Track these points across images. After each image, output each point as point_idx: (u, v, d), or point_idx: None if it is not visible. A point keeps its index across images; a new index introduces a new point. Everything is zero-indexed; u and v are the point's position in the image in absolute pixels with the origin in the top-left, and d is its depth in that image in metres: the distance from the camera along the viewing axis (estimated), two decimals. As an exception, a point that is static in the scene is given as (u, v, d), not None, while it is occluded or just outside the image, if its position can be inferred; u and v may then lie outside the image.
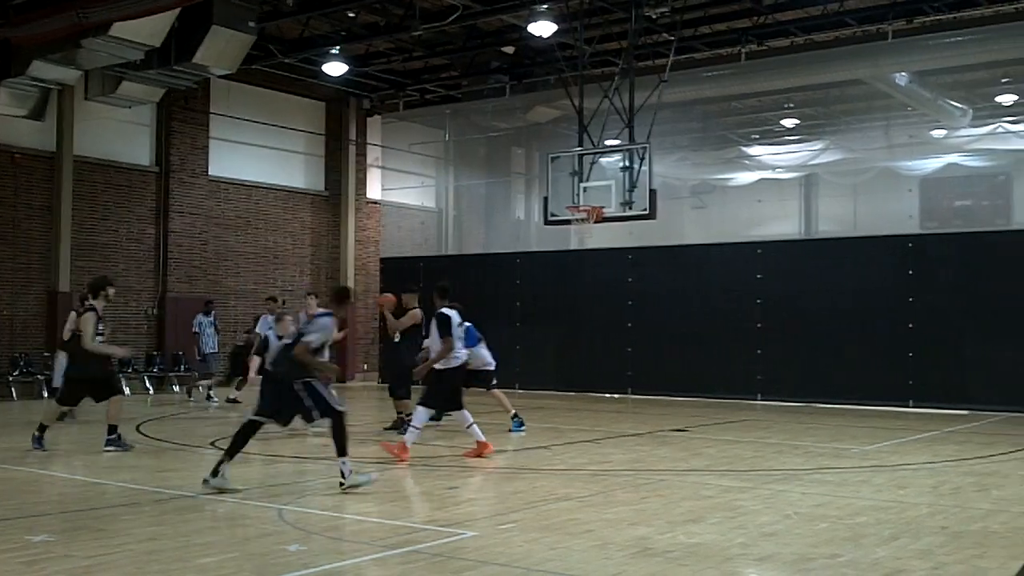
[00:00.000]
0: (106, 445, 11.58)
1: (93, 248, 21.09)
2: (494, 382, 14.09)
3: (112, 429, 11.65)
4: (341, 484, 8.74)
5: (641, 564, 6.26)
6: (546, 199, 18.58)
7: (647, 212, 17.13)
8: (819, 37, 20.45)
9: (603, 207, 17.23)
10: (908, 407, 17.88)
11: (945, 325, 18.01)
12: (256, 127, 23.67)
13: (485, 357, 13.95)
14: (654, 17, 18.88)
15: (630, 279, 21.32)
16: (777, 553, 6.62)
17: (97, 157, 21.20)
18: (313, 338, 8.87)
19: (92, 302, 11.83)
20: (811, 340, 19.20)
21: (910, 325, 18.20)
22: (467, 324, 12.51)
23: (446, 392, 11.35)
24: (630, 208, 17.26)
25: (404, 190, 27.00)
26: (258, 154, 24.01)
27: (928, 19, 18.82)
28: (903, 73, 21.26)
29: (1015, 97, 23.54)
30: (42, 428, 11.68)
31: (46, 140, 20.39)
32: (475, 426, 11.39)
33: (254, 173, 24.05)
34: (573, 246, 22.63)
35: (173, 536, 7.11)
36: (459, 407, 11.52)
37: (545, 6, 18.43)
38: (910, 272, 18.39)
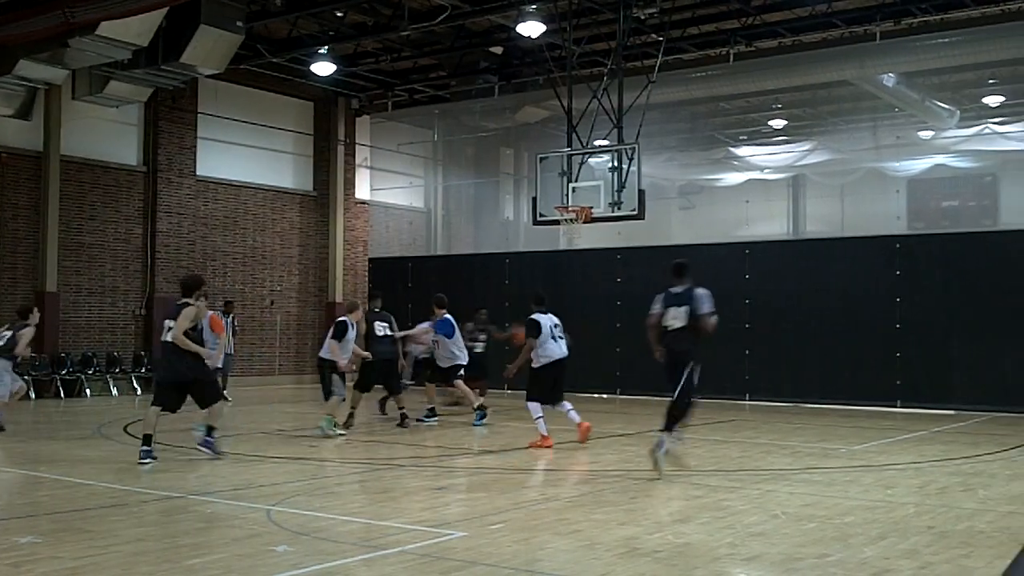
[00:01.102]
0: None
1: (80, 248, 21.02)
2: (460, 374, 15.29)
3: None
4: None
5: (629, 564, 6.27)
6: (535, 199, 18.58)
7: (636, 212, 17.14)
8: (807, 38, 20.50)
9: (591, 207, 17.24)
10: (896, 407, 17.94)
11: (932, 325, 18.08)
12: (244, 127, 23.62)
13: (451, 351, 15.16)
14: (643, 18, 18.90)
15: (618, 279, 21.34)
16: (765, 553, 6.63)
17: (84, 157, 21.12)
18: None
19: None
20: (799, 340, 19.26)
21: (897, 325, 18.27)
22: (447, 316, 15.08)
23: (546, 385, 12.50)
24: (618, 208, 17.27)
25: (393, 190, 26.99)
26: (246, 154, 23.96)
27: (915, 20, 18.88)
28: (891, 74, 21.35)
29: (1002, 98, 23.68)
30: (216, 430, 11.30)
31: (33, 140, 20.31)
32: (542, 420, 12.30)
33: (242, 173, 24.00)
34: (562, 246, 22.65)
35: (161, 537, 7.09)
36: (557, 400, 12.61)
37: (533, 6, 18.45)
38: (898, 272, 18.46)
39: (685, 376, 10.01)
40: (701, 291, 10.13)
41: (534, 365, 12.51)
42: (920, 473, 10.48)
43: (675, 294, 10.28)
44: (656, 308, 10.36)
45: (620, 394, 20.88)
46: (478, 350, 16.96)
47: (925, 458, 11.59)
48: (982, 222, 23.09)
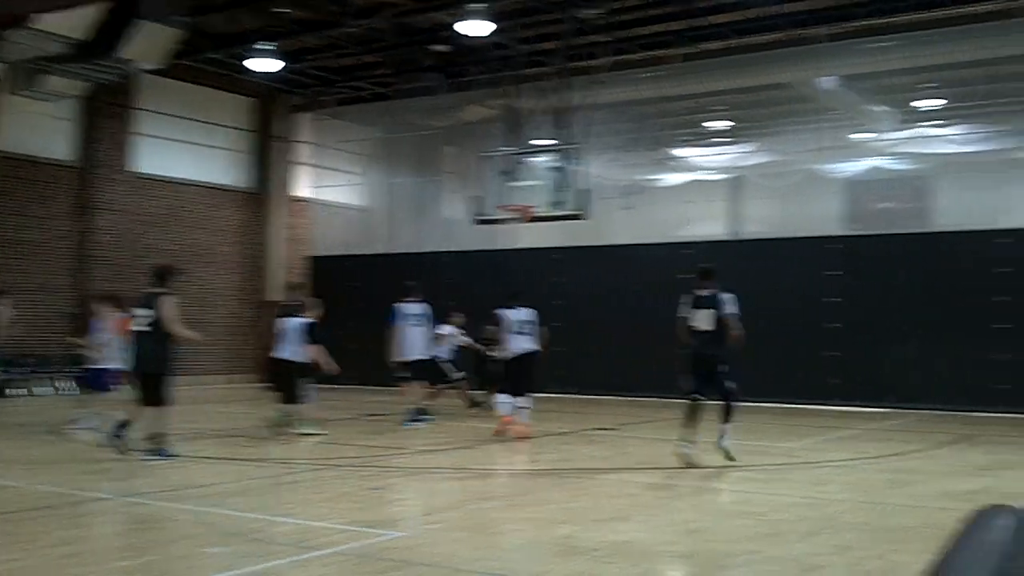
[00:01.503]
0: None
1: (9, 246, 20.55)
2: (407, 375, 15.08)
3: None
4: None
5: (567, 562, 6.27)
6: (478, 198, 18.56)
7: (579, 212, 17.18)
8: (753, 40, 20.69)
9: (534, 207, 17.26)
10: (832, 405, 18.18)
11: (868, 325, 18.35)
12: (183, 123, 23.28)
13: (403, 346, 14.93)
14: (589, 18, 18.94)
15: (560, 278, 21.39)
16: (700, 550, 6.68)
17: (17, 152, 20.66)
18: None
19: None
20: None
21: (835, 325, 18.52)
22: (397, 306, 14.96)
23: (514, 376, 13.25)
24: (561, 208, 17.31)
25: (334, 188, 26.78)
26: (185, 150, 23.61)
27: (857, 24, 19.16)
28: (831, 77, 21.64)
29: (939, 102, 24.08)
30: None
31: (-37, 135, 19.86)
32: (507, 406, 13.03)
33: (180, 170, 23.65)
34: (504, 245, 22.63)
35: (91, 539, 6.97)
36: (522, 392, 13.27)
37: (479, 5, 18.39)
38: (835, 273, 18.71)
39: (723, 376, 10.44)
40: (727, 295, 10.57)
41: (504, 358, 13.25)
42: (853, 470, 10.63)
43: (702, 297, 10.64)
44: (684, 311, 10.68)
45: (560, 393, 20.91)
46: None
47: (859, 455, 11.76)
48: (917, 224, 23.46)
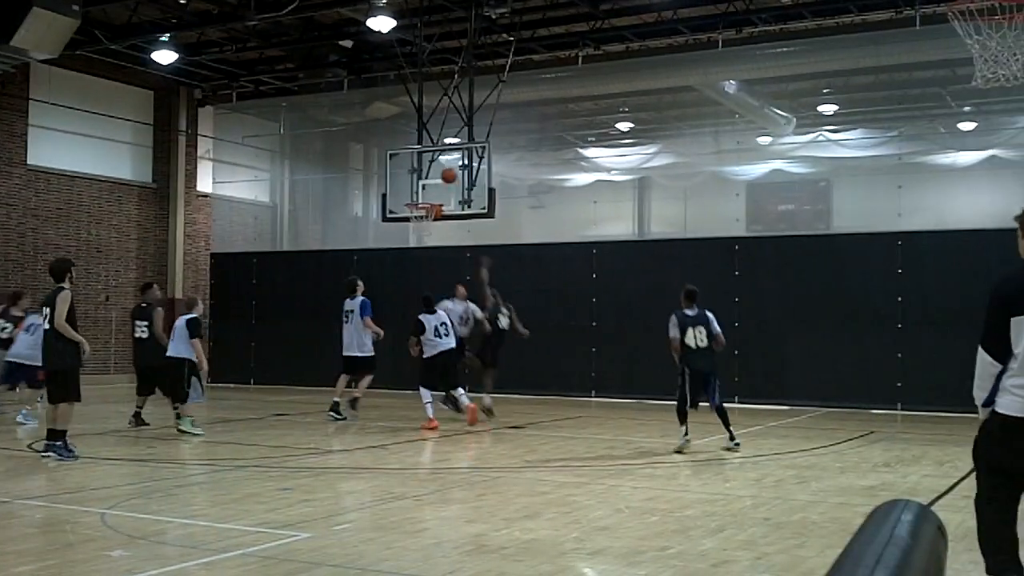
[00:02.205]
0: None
1: (-102, 239, 19.77)
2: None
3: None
4: None
5: (476, 561, 6.27)
6: (384, 196, 18.44)
7: (486, 211, 17.21)
8: (654, 43, 20.97)
9: (442, 205, 17.23)
10: (733, 403, 18.49)
11: (769, 324, 18.75)
12: (80, 115, 22.61)
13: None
14: (493, 17, 18.96)
15: (468, 277, 21.36)
16: (609, 547, 6.73)
17: (-97, 142, 19.88)
18: None
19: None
20: (644, 338, 19.62)
21: (735, 324, 18.85)
22: (362, 299, 15.59)
23: (436, 372, 14.64)
24: (469, 207, 17.31)
25: (237, 183, 26.31)
26: (81, 143, 22.93)
27: (756, 30, 19.54)
28: (732, 81, 22.06)
29: (836, 107, 24.74)
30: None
31: None
32: (430, 406, 14.10)
33: (77, 163, 22.96)
34: (412, 244, 22.54)
35: (-16, 544, 6.72)
36: (450, 386, 14.93)
37: (384, 1, 18.28)
38: (736, 273, 19.06)
39: (717, 387, 12.00)
40: (710, 313, 12.03)
41: (424, 356, 14.44)
42: (757, 467, 10.85)
43: (691, 316, 11.94)
44: (674, 331, 11.85)
45: (469, 392, 20.87)
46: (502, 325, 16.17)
47: (761, 452, 12.00)
48: (816, 225, 24.05)
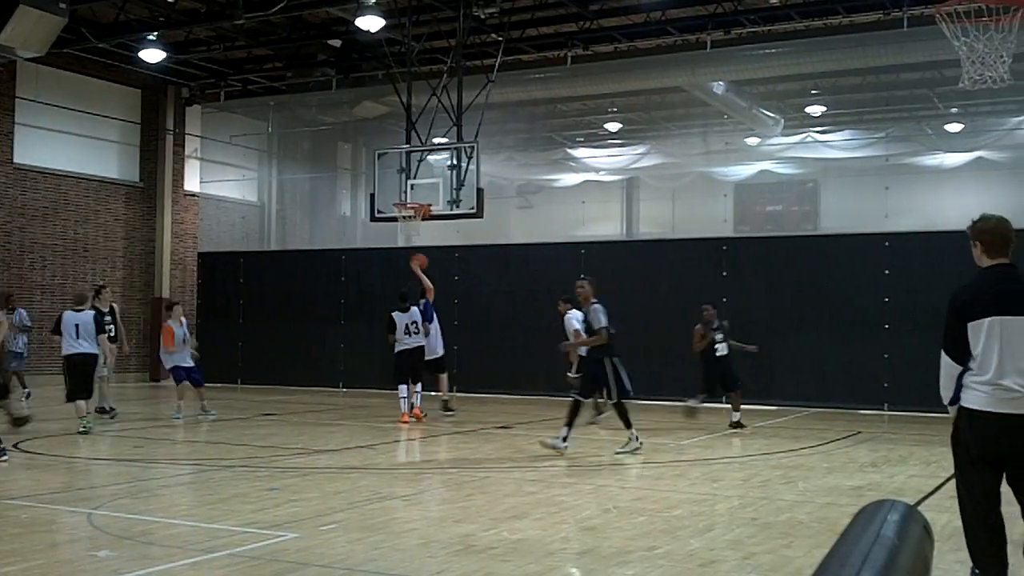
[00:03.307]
0: None
1: None
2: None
3: None
4: None
5: (464, 561, 6.26)
6: (372, 196, 18.42)
7: (474, 211, 17.21)
8: (642, 44, 21.00)
9: (430, 205, 17.21)
10: (722, 403, 18.53)
11: (756, 324, 18.73)
12: (67, 113, 22.51)
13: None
14: (482, 17, 18.96)
15: (456, 277, 21.36)
16: (597, 547, 6.74)
17: None
18: None
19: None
20: (631, 338, 19.59)
21: (724, 324, 18.88)
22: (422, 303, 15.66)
23: (405, 367, 15.12)
24: (457, 206, 17.31)
25: (224, 183, 26.26)
26: (68, 142, 22.83)
27: (745, 31, 19.58)
28: (720, 82, 22.09)
29: (823, 108, 24.82)
30: None
31: None
32: (404, 400, 14.84)
33: (64, 162, 22.85)
34: (400, 243, 22.50)
35: (-31, 545, 6.68)
36: (414, 380, 15.24)
37: (373, 0, 18.26)
38: (724, 273, 19.08)
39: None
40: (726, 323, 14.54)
41: (395, 351, 15.09)
42: (744, 467, 10.87)
43: (717, 327, 14.80)
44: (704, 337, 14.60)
45: (457, 391, 20.88)
46: None
47: (749, 452, 12.02)
48: (804, 226, 24.15)
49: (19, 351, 17.79)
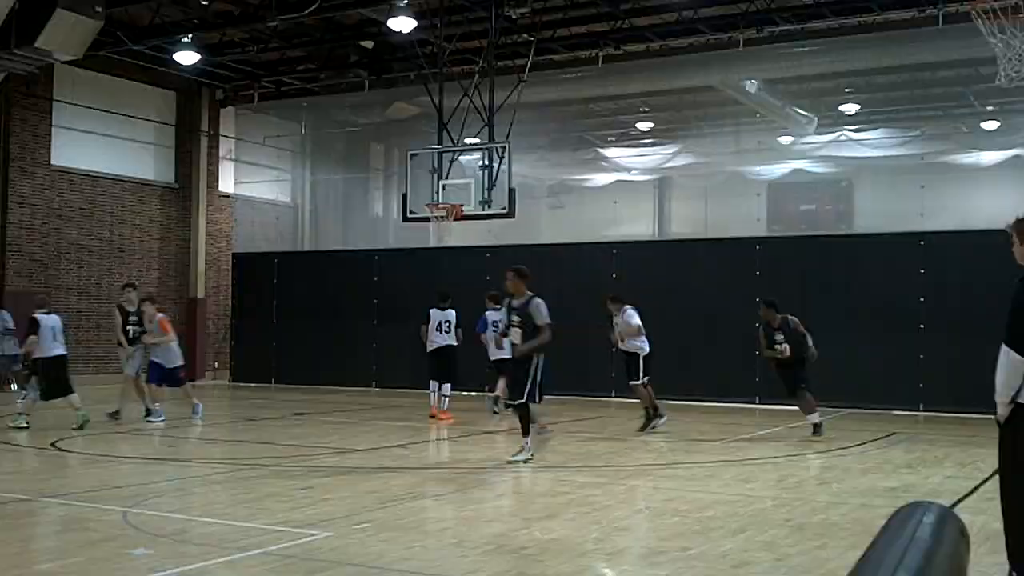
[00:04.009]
0: None
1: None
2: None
3: None
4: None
5: (496, 561, 6.27)
6: (405, 196, 18.47)
7: (506, 211, 17.21)
8: (674, 43, 20.91)
9: (462, 205, 17.23)
10: (755, 404, 18.45)
11: (790, 324, 18.63)
12: (103, 116, 22.76)
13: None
14: (514, 17, 18.97)
15: (488, 277, 21.36)
16: (629, 547, 6.73)
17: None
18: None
19: None
20: (663, 339, 19.50)
21: (756, 325, 18.77)
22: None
23: (434, 365, 15.95)
24: (489, 207, 17.32)
25: (258, 184, 26.42)
26: (104, 144, 23.07)
27: (777, 29, 19.45)
28: (753, 80, 21.96)
29: (857, 107, 24.59)
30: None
31: None
32: (433, 395, 15.61)
33: (100, 163, 23.10)
34: (432, 244, 22.56)
35: (10, 542, 6.77)
36: (443, 379, 15.79)
37: (405, 1, 18.31)
38: (757, 273, 18.98)
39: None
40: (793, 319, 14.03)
41: (427, 350, 15.69)
42: (778, 468, 10.80)
43: (774, 328, 13.94)
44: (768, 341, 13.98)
45: (489, 391, 20.89)
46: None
47: (782, 453, 11.96)
48: (838, 226, 23.90)
49: (11, 354, 18.00)
